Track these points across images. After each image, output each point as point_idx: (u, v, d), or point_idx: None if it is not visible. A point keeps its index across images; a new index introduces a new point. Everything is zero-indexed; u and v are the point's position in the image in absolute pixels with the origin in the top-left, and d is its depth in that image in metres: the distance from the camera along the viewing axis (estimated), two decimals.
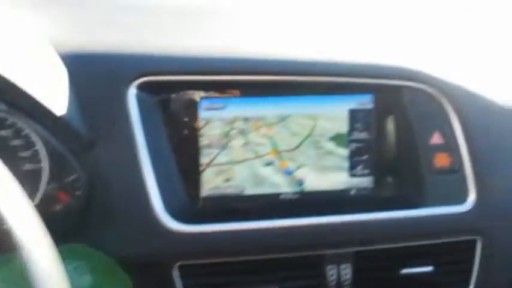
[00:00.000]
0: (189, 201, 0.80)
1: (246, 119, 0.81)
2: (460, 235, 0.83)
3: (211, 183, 0.81)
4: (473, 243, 0.84)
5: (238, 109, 0.81)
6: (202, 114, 0.80)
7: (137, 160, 0.73)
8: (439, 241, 0.83)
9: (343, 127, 0.85)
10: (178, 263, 0.76)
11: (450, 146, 0.83)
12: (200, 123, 0.80)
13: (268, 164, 0.83)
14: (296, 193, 0.84)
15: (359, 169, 0.86)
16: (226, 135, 0.81)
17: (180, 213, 0.76)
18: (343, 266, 0.81)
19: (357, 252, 0.81)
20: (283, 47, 0.79)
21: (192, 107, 0.79)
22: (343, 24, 0.95)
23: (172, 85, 0.75)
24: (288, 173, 0.83)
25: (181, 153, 0.79)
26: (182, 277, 0.77)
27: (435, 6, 1.08)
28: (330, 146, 0.84)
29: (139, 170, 0.73)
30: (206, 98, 0.80)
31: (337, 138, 0.85)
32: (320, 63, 0.78)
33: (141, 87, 0.73)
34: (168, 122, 0.78)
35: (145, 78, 0.73)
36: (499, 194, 0.84)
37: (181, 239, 0.74)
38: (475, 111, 0.84)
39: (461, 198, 0.83)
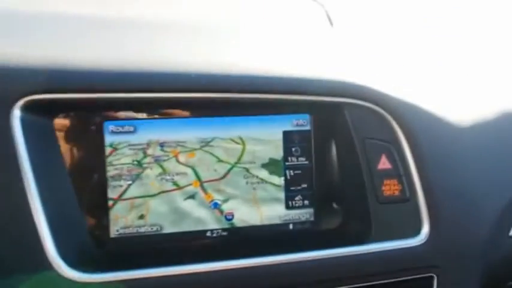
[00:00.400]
0: (93, 245, 0.66)
1: (162, 144, 0.69)
2: (414, 272, 0.72)
3: (121, 221, 0.68)
4: (428, 280, 0.73)
5: (151, 132, 0.69)
6: (108, 139, 0.67)
7: (25, 197, 0.60)
8: (391, 280, 0.71)
9: (277, 152, 0.73)
10: None
11: (399, 172, 0.72)
12: (106, 150, 0.67)
13: (190, 196, 0.70)
14: (224, 230, 0.72)
15: (297, 200, 0.75)
16: (139, 163, 0.68)
17: (80, 260, 0.63)
18: None
19: None
20: (203, 59, 0.67)
21: (95, 131, 0.67)
22: (273, 35, 0.84)
23: (68, 105, 0.63)
24: (215, 206, 0.71)
25: (84, 186, 0.66)
26: None
27: (384, 16, 0.99)
28: (263, 174, 0.73)
29: (28, 208, 0.60)
30: (111, 119, 0.67)
31: (270, 165, 0.73)
32: (248, 77, 0.67)
33: (29, 108, 0.61)
34: (66, 150, 0.65)
35: (32, 97, 0.60)
36: (455, 224, 0.74)
37: None
38: (426, 132, 0.74)
39: (414, 231, 0.73)
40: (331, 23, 0.96)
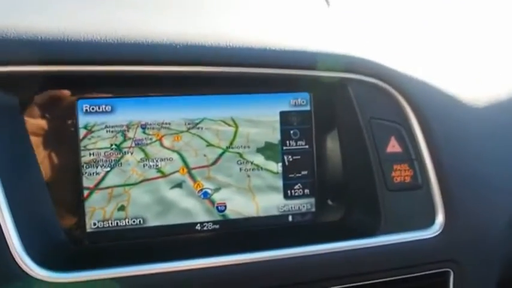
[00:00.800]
0: (67, 240, 0.58)
1: (144, 126, 0.61)
2: (428, 267, 0.64)
3: (98, 213, 0.60)
4: (444, 276, 0.65)
5: (132, 113, 0.61)
6: (83, 119, 0.59)
7: None
8: (402, 277, 0.63)
9: (273, 135, 0.65)
10: None
11: (410, 156, 0.65)
12: (80, 132, 0.59)
13: (177, 185, 0.62)
14: (216, 222, 0.64)
15: (296, 189, 0.67)
16: (118, 148, 0.60)
17: (51, 258, 0.54)
18: None
19: None
20: (191, 29, 0.59)
21: (66, 111, 0.58)
22: (268, 9, 0.76)
23: (34, 79, 0.54)
24: (204, 196, 0.63)
25: (55, 174, 0.58)
26: None
27: None
28: (258, 159, 0.65)
29: None
30: (86, 97, 0.59)
31: (266, 150, 0.66)
32: (240, 49, 0.59)
33: None
34: (34, 132, 0.57)
35: None
36: (472, 213, 0.66)
37: None
38: (439, 112, 0.67)
39: (427, 221, 0.65)
40: (328, 4, 0.88)
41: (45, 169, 0.58)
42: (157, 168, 0.62)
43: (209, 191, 0.64)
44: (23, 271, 0.52)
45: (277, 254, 0.60)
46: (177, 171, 0.62)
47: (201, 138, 0.63)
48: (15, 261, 0.52)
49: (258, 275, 0.60)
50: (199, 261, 0.58)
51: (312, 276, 0.61)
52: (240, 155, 0.64)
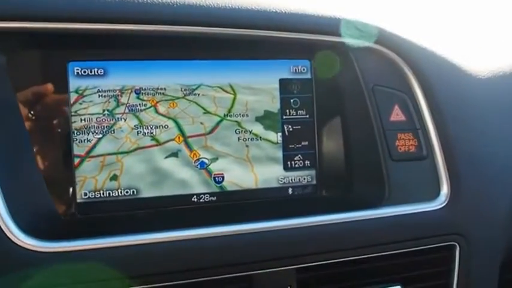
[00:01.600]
0: (55, 210, 0.54)
1: (138, 91, 0.58)
2: (433, 240, 0.62)
3: (90, 183, 0.57)
4: (450, 249, 0.63)
5: (125, 76, 0.58)
6: (74, 83, 0.56)
7: None
8: (407, 250, 0.61)
9: (273, 103, 0.63)
10: None
11: (414, 125, 0.62)
12: (70, 96, 0.56)
13: (172, 154, 0.59)
14: (213, 194, 0.61)
15: (296, 160, 0.64)
16: (110, 114, 0.57)
17: (39, 227, 0.51)
18: None
19: (300, 271, 0.57)
20: None
21: (56, 73, 0.55)
22: None
23: (22, 38, 0.51)
24: (201, 166, 0.60)
25: (44, 140, 0.55)
26: None
27: None
28: (257, 129, 0.62)
29: None
30: (77, 59, 0.56)
31: (265, 119, 0.63)
32: (238, 10, 0.56)
33: None
34: (22, 96, 0.54)
35: None
36: (478, 185, 0.64)
37: (42, 263, 0.49)
38: (444, 81, 0.65)
39: (432, 193, 0.62)
40: None
41: (34, 135, 0.54)
42: (152, 136, 0.59)
43: (206, 161, 0.61)
44: (9, 239, 0.49)
45: (276, 225, 0.57)
46: (173, 139, 0.60)
47: (198, 105, 0.60)
48: (0, 228, 0.49)
49: (257, 246, 0.57)
50: (194, 232, 0.55)
51: (313, 248, 0.59)
52: (238, 123, 0.62)
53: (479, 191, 0.65)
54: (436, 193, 0.63)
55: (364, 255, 0.60)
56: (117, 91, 0.58)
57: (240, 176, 0.62)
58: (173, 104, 0.59)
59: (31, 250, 0.50)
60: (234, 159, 0.62)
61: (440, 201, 0.63)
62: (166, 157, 0.59)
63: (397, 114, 0.63)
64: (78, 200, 0.57)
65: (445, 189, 0.63)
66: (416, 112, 0.63)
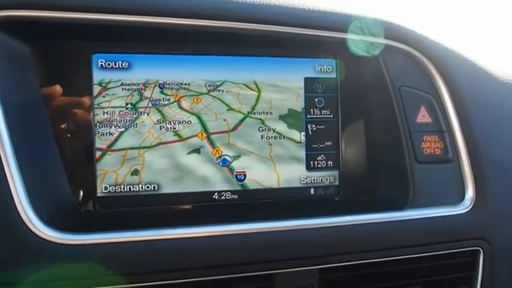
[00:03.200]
0: (76, 203, 0.54)
1: (162, 86, 0.57)
2: (458, 245, 0.61)
3: (110, 177, 0.56)
4: (474, 254, 0.61)
5: (150, 70, 0.57)
6: (97, 75, 0.55)
7: None
8: (431, 254, 0.59)
9: (297, 102, 0.62)
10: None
11: (441, 127, 0.61)
12: (94, 89, 0.55)
13: (195, 150, 0.58)
14: (235, 192, 0.60)
15: (319, 160, 0.63)
16: (134, 107, 0.56)
17: (59, 219, 0.50)
18: None
19: (322, 271, 0.56)
20: None
21: (80, 65, 0.54)
22: None
23: (47, 27, 0.51)
24: (223, 163, 0.59)
25: (65, 132, 0.54)
26: None
27: None
28: (280, 127, 0.61)
29: None
30: (102, 51, 0.55)
31: (289, 117, 0.62)
32: (266, 6, 0.55)
33: (3, 27, 0.48)
34: (45, 86, 0.53)
35: (6, 13, 0.48)
36: (504, 190, 0.63)
37: (61, 255, 0.48)
38: (471, 84, 0.64)
39: (457, 197, 0.61)
40: None
41: (56, 126, 0.54)
42: (175, 131, 0.58)
43: (228, 158, 0.60)
44: (30, 230, 0.48)
45: (298, 224, 0.56)
46: (196, 135, 0.59)
47: (222, 101, 0.59)
48: (22, 220, 0.48)
49: (278, 245, 0.56)
50: (215, 229, 0.53)
51: (335, 249, 0.57)
52: (262, 121, 0.61)
53: (504, 196, 0.64)
54: (461, 197, 0.62)
55: (386, 257, 0.59)
56: (141, 85, 0.57)
57: (262, 175, 0.61)
58: (197, 99, 0.58)
59: (51, 242, 0.49)
60: (256, 158, 0.61)
61: (465, 205, 0.61)
62: (188, 153, 0.59)
63: (423, 116, 0.62)
64: (99, 194, 0.57)
65: (470, 193, 0.62)
66: (442, 114, 0.62)
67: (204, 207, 0.59)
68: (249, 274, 0.54)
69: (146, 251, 0.51)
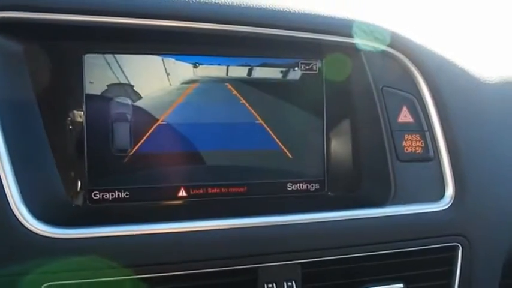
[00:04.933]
0: (67, 198, 0.56)
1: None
2: (437, 241, 0.63)
3: (101, 172, 0.58)
4: (453, 250, 0.64)
5: (139, 70, 0.59)
6: (89, 75, 0.57)
7: None
8: (410, 249, 0.61)
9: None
10: (46, 284, 0.51)
11: (422, 127, 0.63)
12: (85, 87, 0.57)
13: None
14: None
15: (306, 157, 0.64)
16: (124, 105, 0.58)
17: (52, 214, 0.53)
18: (286, 285, 0.58)
19: (305, 265, 0.58)
20: None
21: (72, 64, 0.56)
22: None
23: (40, 28, 0.52)
24: None
25: (58, 129, 0.56)
26: None
27: None
28: None
29: None
30: (93, 52, 0.57)
31: None
32: (251, 8, 0.57)
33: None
34: (38, 84, 0.54)
35: (4, 14, 0.49)
36: (483, 188, 0.65)
37: (53, 249, 0.50)
38: (452, 83, 0.66)
39: (437, 194, 0.63)
40: None
41: (48, 124, 0.55)
42: None
43: None
44: (22, 225, 0.50)
45: (282, 220, 0.58)
46: None
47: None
48: (14, 215, 0.50)
49: (262, 240, 0.58)
50: (200, 224, 0.55)
51: (317, 244, 0.59)
52: None
53: (484, 194, 0.66)
54: (441, 194, 0.64)
55: (368, 252, 0.61)
56: (131, 84, 0.59)
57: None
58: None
59: (43, 236, 0.50)
60: None
61: (445, 202, 0.63)
62: None
63: (405, 116, 0.64)
64: (89, 188, 0.58)
65: (450, 191, 0.64)
66: (424, 114, 0.64)
67: (190, 202, 0.61)
68: (232, 268, 0.56)
69: (132, 245, 0.53)
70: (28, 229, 0.50)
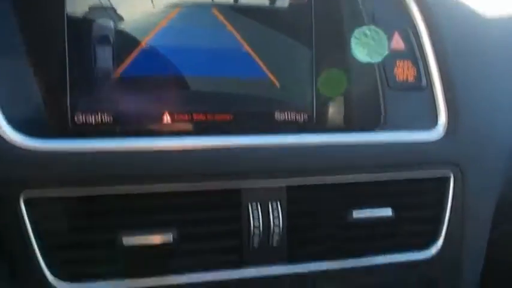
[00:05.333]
0: (48, 111, 0.54)
1: None
2: (428, 169, 0.61)
3: (84, 90, 0.57)
4: (444, 180, 0.62)
5: None
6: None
7: None
8: (401, 177, 0.60)
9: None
10: (24, 194, 0.50)
11: (414, 54, 0.61)
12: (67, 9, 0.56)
13: None
14: None
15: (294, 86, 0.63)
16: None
17: (31, 128, 0.50)
18: (271, 206, 0.57)
19: (291, 188, 0.57)
20: None
21: None
22: None
23: None
24: None
25: (40, 48, 0.55)
26: (31, 216, 0.51)
27: None
28: None
29: None
30: None
31: None
32: None
33: None
34: (19, 2, 0.53)
35: None
36: (476, 119, 0.63)
37: (30, 159, 0.50)
38: (445, 11, 0.63)
39: (430, 124, 0.61)
40: None
41: (29, 43, 0.54)
42: None
43: None
44: (3, 138, 0.49)
45: (269, 141, 0.56)
46: None
47: None
48: None
49: (247, 159, 0.56)
50: (183, 141, 0.54)
51: (304, 167, 0.58)
52: None
53: (477, 125, 0.64)
54: (434, 124, 0.62)
55: (356, 180, 0.59)
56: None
57: None
58: None
59: (22, 148, 0.50)
60: None
61: (437, 131, 0.62)
62: None
63: (396, 42, 0.62)
64: (71, 110, 0.57)
65: (442, 120, 0.62)
66: (417, 42, 0.62)
67: (174, 127, 0.60)
68: (215, 189, 0.54)
69: (113, 160, 0.52)
70: (5, 139, 0.49)
